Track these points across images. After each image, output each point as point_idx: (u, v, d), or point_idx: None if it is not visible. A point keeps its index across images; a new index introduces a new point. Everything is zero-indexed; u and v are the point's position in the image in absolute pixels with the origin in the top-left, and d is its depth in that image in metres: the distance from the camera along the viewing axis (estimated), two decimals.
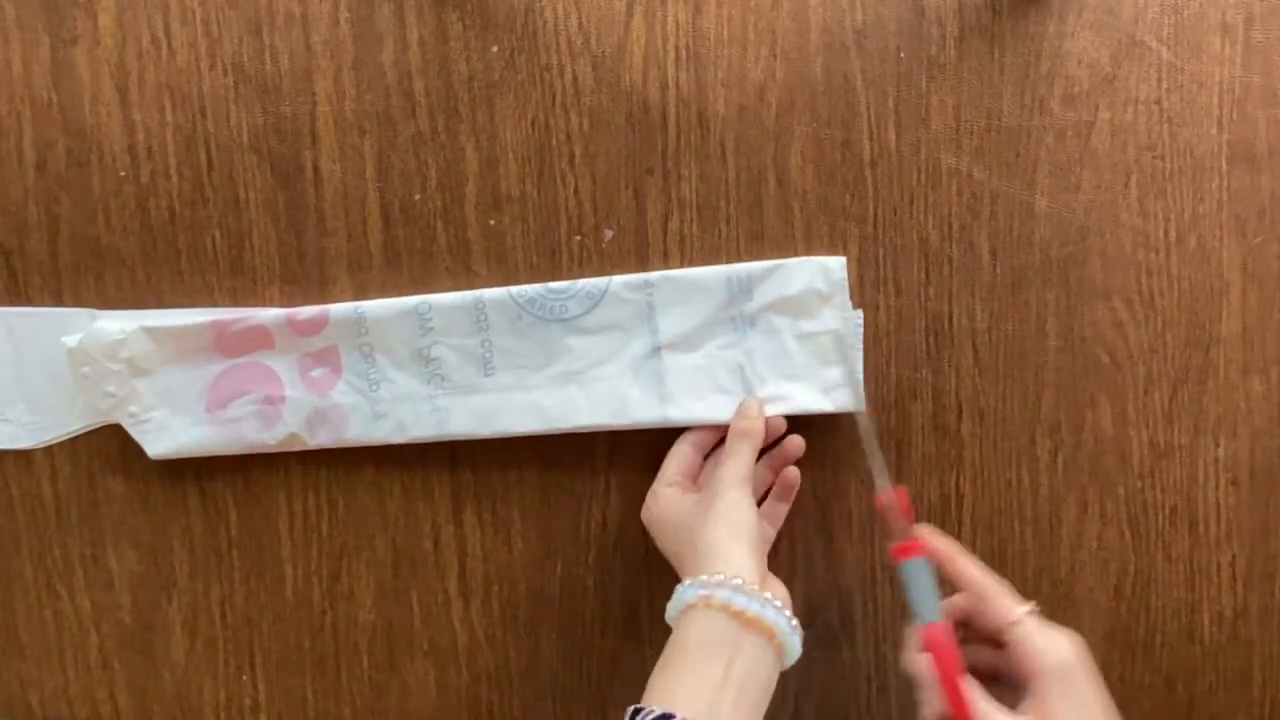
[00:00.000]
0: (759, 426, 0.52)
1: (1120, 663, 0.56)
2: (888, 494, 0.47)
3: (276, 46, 0.55)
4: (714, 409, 0.54)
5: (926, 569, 0.45)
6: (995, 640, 0.45)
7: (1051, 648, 0.43)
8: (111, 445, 0.58)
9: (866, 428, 0.50)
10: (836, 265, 0.53)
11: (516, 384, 0.55)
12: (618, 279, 0.54)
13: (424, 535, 0.59)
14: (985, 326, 0.54)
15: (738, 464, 0.50)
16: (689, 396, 0.54)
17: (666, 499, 0.52)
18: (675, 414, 0.54)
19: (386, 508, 0.58)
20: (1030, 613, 0.44)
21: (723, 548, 0.47)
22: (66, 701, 0.62)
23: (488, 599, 0.59)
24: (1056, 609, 0.56)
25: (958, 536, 0.56)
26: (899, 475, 0.56)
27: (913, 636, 0.46)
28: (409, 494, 0.58)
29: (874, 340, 0.55)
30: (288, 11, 0.55)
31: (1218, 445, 0.54)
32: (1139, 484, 0.55)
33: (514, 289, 0.54)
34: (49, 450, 0.59)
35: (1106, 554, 0.55)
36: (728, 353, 0.54)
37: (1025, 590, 0.56)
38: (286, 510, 0.59)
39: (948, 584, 0.47)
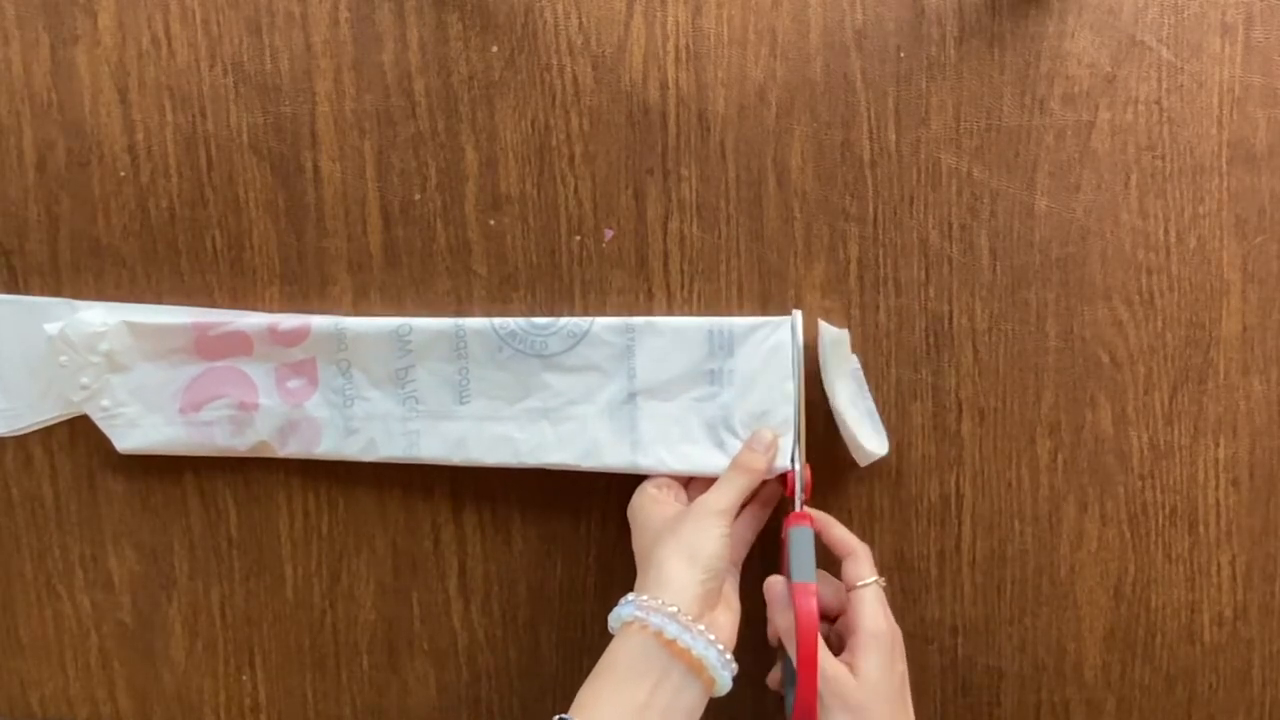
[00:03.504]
0: (761, 464, 0.51)
1: (1120, 663, 0.56)
2: (805, 469, 0.52)
3: (276, 46, 0.55)
4: (684, 459, 0.53)
5: (810, 538, 0.50)
6: (829, 617, 0.52)
7: (876, 619, 0.48)
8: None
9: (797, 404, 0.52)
10: (827, 329, 0.53)
11: (490, 414, 0.55)
12: (600, 320, 0.54)
13: (424, 535, 0.59)
14: (985, 326, 0.54)
15: (724, 494, 0.50)
16: (660, 445, 0.54)
17: (647, 500, 0.52)
18: (644, 461, 0.54)
19: (386, 508, 0.58)
20: (878, 583, 0.49)
21: (673, 572, 0.47)
22: (66, 701, 0.62)
23: (488, 599, 0.59)
24: (1056, 609, 0.56)
25: (958, 537, 0.56)
26: (898, 475, 0.56)
27: (778, 598, 0.50)
28: (409, 494, 0.58)
29: (874, 340, 0.55)
30: (288, 11, 0.55)
31: (1218, 445, 0.54)
32: (1139, 484, 0.55)
33: (496, 320, 0.54)
34: (49, 450, 0.59)
35: (1106, 554, 0.55)
36: (704, 405, 0.54)
37: (1025, 590, 0.56)
38: (286, 510, 0.59)
39: (822, 552, 0.51)
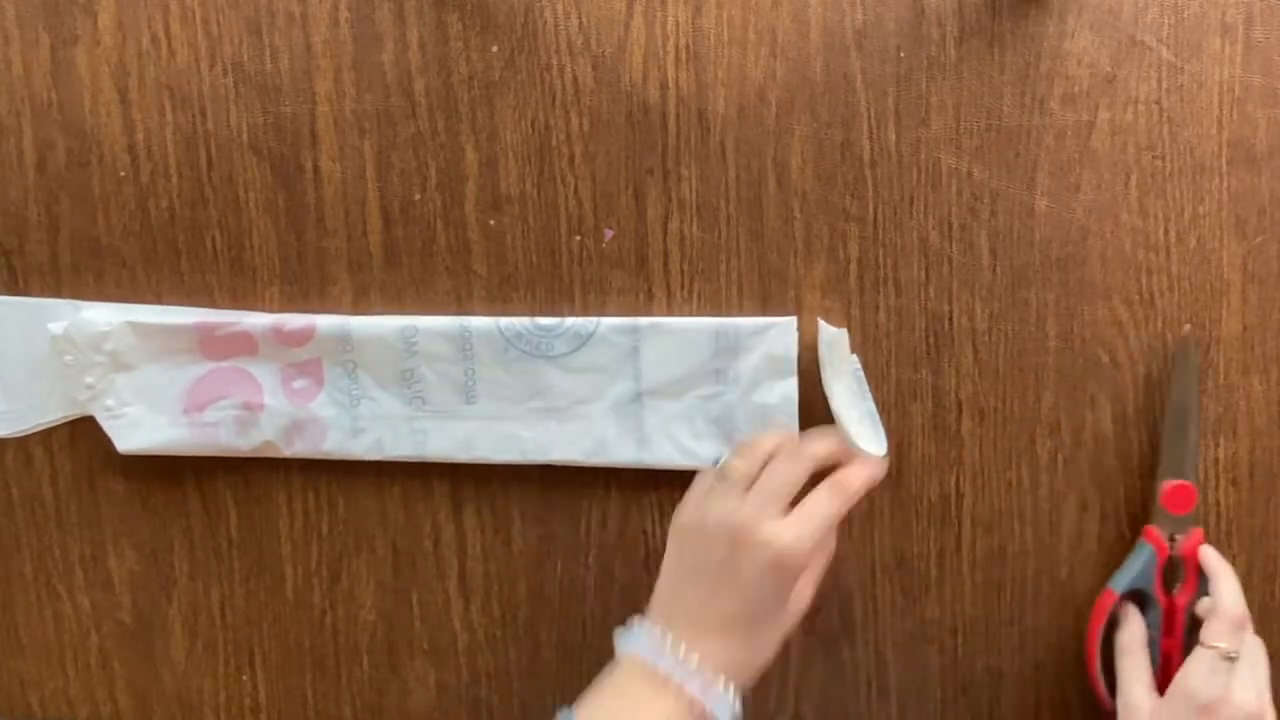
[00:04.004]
0: (861, 482, 0.48)
1: None
2: (1160, 486, 0.53)
3: (276, 46, 0.55)
4: (690, 457, 0.54)
5: (1150, 554, 0.52)
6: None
7: (1185, 680, 0.47)
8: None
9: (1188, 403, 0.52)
10: (826, 329, 0.53)
11: (497, 414, 0.56)
12: (606, 321, 0.54)
13: (424, 535, 0.59)
14: (985, 326, 0.54)
15: (830, 506, 0.47)
16: (666, 442, 0.55)
17: (713, 489, 0.48)
18: (650, 458, 0.55)
19: (386, 508, 0.58)
20: (1214, 650, 0.47)
21: (758, 633, 0.46)
22: (66, 701, 0.62)
23: (488, 599, 0.59)
24: (1056, 609, 0.56)
25: (957, 536, 0.56)
26: (899, 476, 0.56)
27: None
28: (409, 494, 0.58)
29: (874, 340, 0.55)
30: (288, 11, 0.55)
31: (1218, 445, 0.54)
32: (1139, 484, 0.55)
33: (502, 321, 0.55)
34: (49, 450, 0.60)
35: (1106, 554, 0.55)
36: (709, 404, 0.54)
37: (1025, 590, 0.56)
38: (286, 510, 0.59)
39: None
